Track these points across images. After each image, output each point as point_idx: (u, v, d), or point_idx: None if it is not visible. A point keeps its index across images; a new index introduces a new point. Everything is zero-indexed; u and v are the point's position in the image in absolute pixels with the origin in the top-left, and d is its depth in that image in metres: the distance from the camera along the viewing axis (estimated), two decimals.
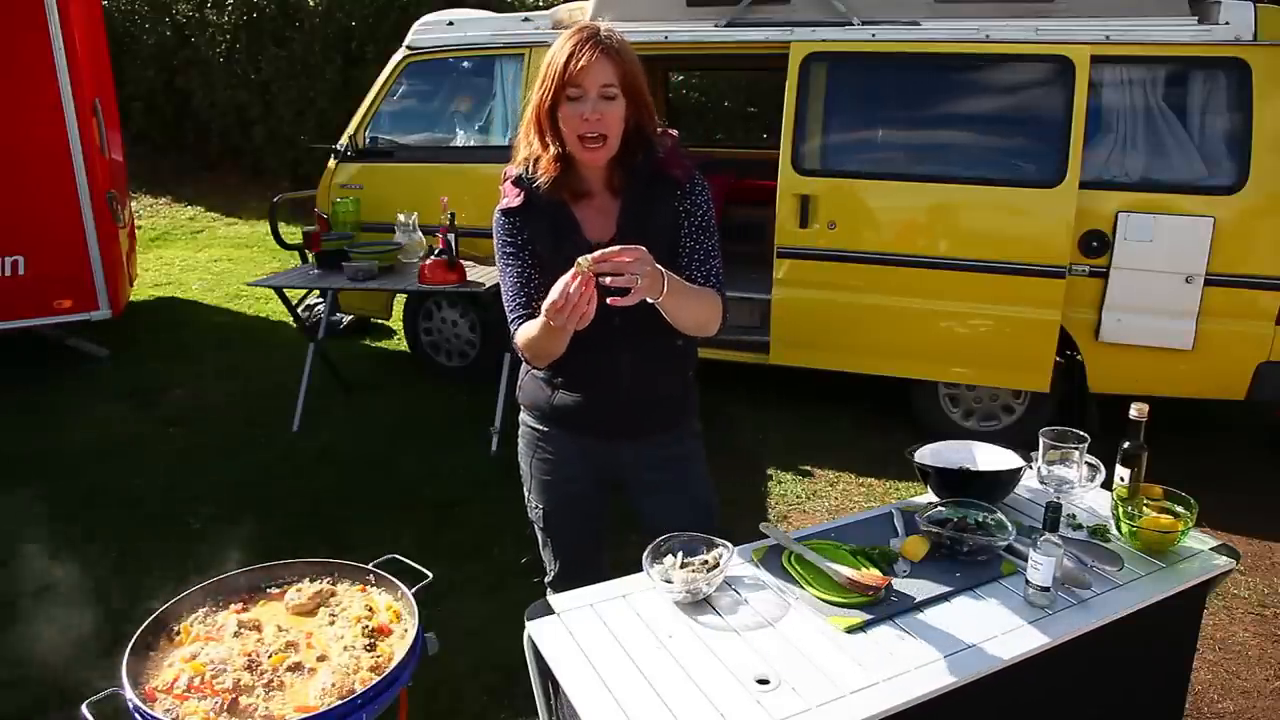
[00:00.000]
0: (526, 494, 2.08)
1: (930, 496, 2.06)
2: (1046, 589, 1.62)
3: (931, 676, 1.46)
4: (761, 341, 4.46)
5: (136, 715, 1.45)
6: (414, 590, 1.73)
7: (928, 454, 2.09)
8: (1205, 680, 2.76)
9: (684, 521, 1.82)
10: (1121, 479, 1.92)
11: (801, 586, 1.69)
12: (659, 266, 1.60)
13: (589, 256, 1.52)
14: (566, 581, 2.06)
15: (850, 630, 1.57)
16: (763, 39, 4.28)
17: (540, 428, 1.98)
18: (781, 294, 4.34)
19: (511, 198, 1.83)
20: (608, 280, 1.53)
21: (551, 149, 1.74)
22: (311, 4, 9.48)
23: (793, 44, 4.17)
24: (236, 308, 6.86)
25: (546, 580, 2.15)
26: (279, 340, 6.04)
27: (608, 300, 1.54)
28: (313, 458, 4.26)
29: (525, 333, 1.78)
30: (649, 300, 1.61)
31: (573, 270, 1.53)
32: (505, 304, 1.86)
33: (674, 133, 1.88)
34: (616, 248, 1.54)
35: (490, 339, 5.09)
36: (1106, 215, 3.81)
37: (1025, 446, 2.09)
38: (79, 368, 5.48)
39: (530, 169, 1.79)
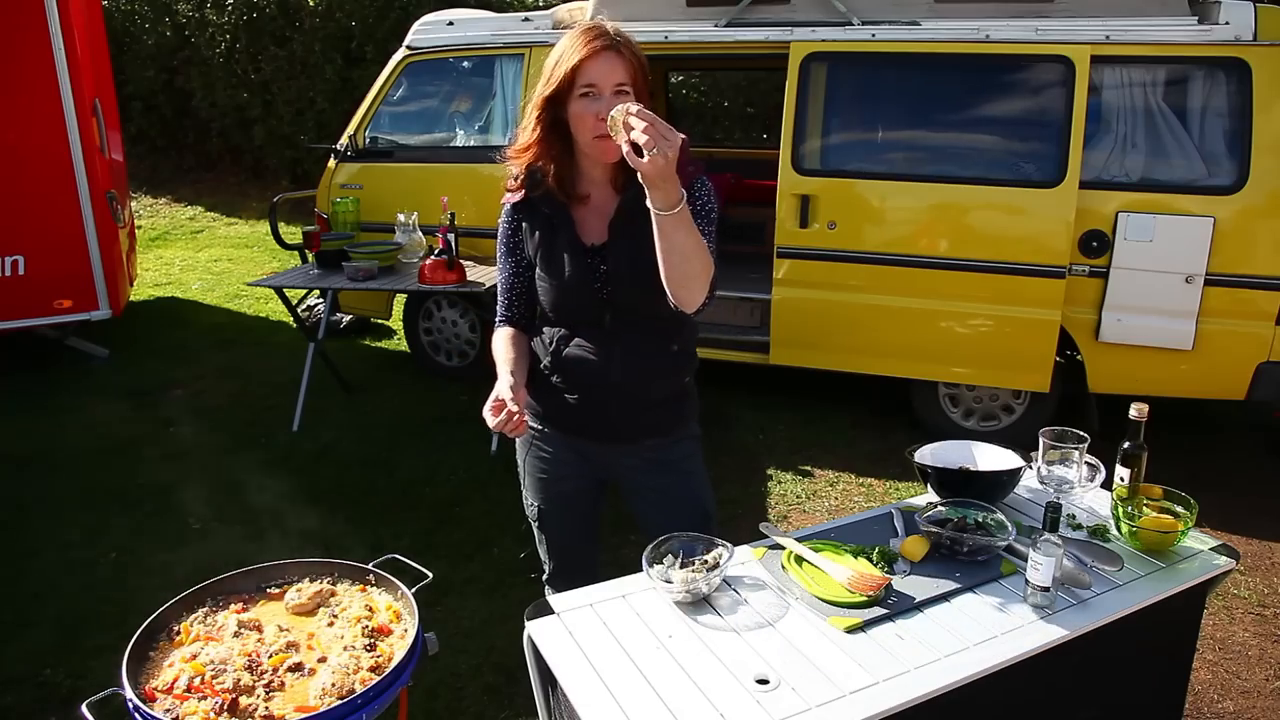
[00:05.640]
0: (523, 490, 2.09)
1: (930, 496, 2.06)
2: (1046, 589, 1.62)
3: (931, 676, 1.46)
4: (761, 341, 4.46)
5: (136, 715, 1.45)
6: (414, 590, 1.73)
7: (928, 454, 2.09)
8: (1205, 680, 2.77)
9: (679, 526, 1.81)
10: (1121, 479, 1.92)
11: (802, 586, 1.69)
12: (681, 189, 1.58)
13: (625, 108, 1.53)
14: (562, 578, 2.08)
15: (850, 630, 1.57)
16: (763, 39, 4.28)
17: (536, 426, 1.99)
18: (781, 294, 4.35)
19: (513, 193, 1.86)
20: (632, 136, 1.51)
21: (553, 146, 1.75)
22: (311, 4, 9.48)
23: (793, 44, 4.18)
24: (236, 308, 6.86)
25: (544, 578, 2.16)
26: (279, 340, 6.04)
27: (624, 143, 1.53)
28: (313, 458, 4.26)
29: (494, 344, 1.92)
30: (651, 208, 1.58)
31: (492, 402, 1.67)
32: (497, 297, 1.96)
33: (683, 136, 1.87)
34: (658, 119, 1.51)
35: (490, 339, 5.09)
36: (1106, 215, 3.81)
37: (1025, 446, 2.09)
38: (79, 368, 5.48)
39: (529, 167, 1.80)
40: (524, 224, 1.87)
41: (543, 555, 2.13)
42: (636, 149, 1.51)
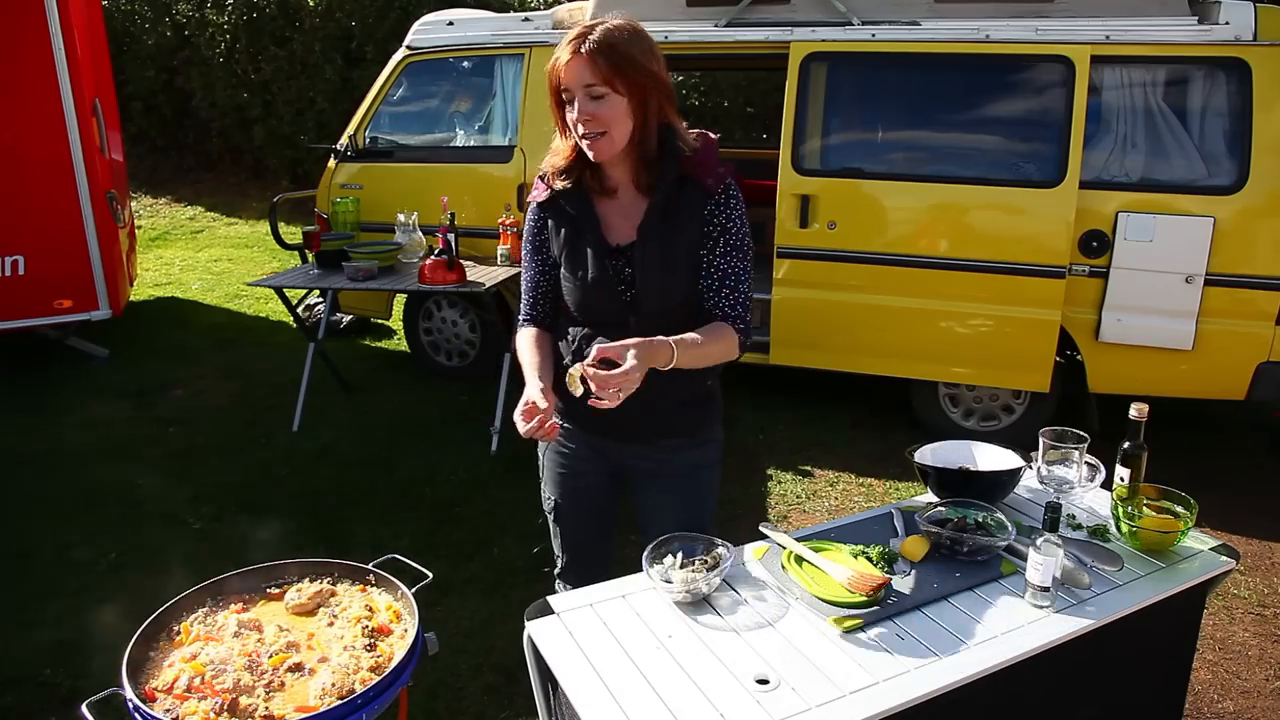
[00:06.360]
0: (541, 484, 2.10)
1: (930, 496, 2.06)
2: (1046, 589, 1.62)
3: (931, 676, 1.46)
4: (761, 341, 4.46)
5: (136, 715, 1.45)
6: (414, 590, 1.73)
7: (928, 454, 2.09)
8: (1205, 680, 2.77)
9: (677, 530, 1.81)
10: (1121, 479, 1.92)
11: (802, 586, 1.69)
12: (667, 340, 1.65)
13: (580, 368, 1.60)
14: (574, 573, 2.09)
15: (850, 630, 1.57)
16: (763, 39, 4.28)
17: (557, 420, 1.99)
18: (781, 294, 4.34)
19: (539, 192, 1.88)
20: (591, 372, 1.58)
21: (571, 143, 1.78)
22: (311, 4, 9.48)
23: (793, 44, 4.18)
24: (236, 308, 6.86)
25: (556, 571, 2.16)
26: (279, 340, 6.04)
27: (588, 402, 1.60)
28: (313, 458, 4.26)
29: (519, 345, 1.90)
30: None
31: (523, 406, 1.68)
32: (521, 295, 1.97)
33: (714, 136, 1.85)
34: (611, 374, 1.56)
35: (490, 339, 5.09)
36: (1106, 215, 3.81)
37: (1025, 446, 2.09)
38: (79, 368, 5.48)
39: (558, 164, 1.82)
40: (550, 222, 1.88)
41: (556, 549, 2.13)
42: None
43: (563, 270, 1.87)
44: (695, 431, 1.96)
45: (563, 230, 1.85)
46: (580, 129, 1.71)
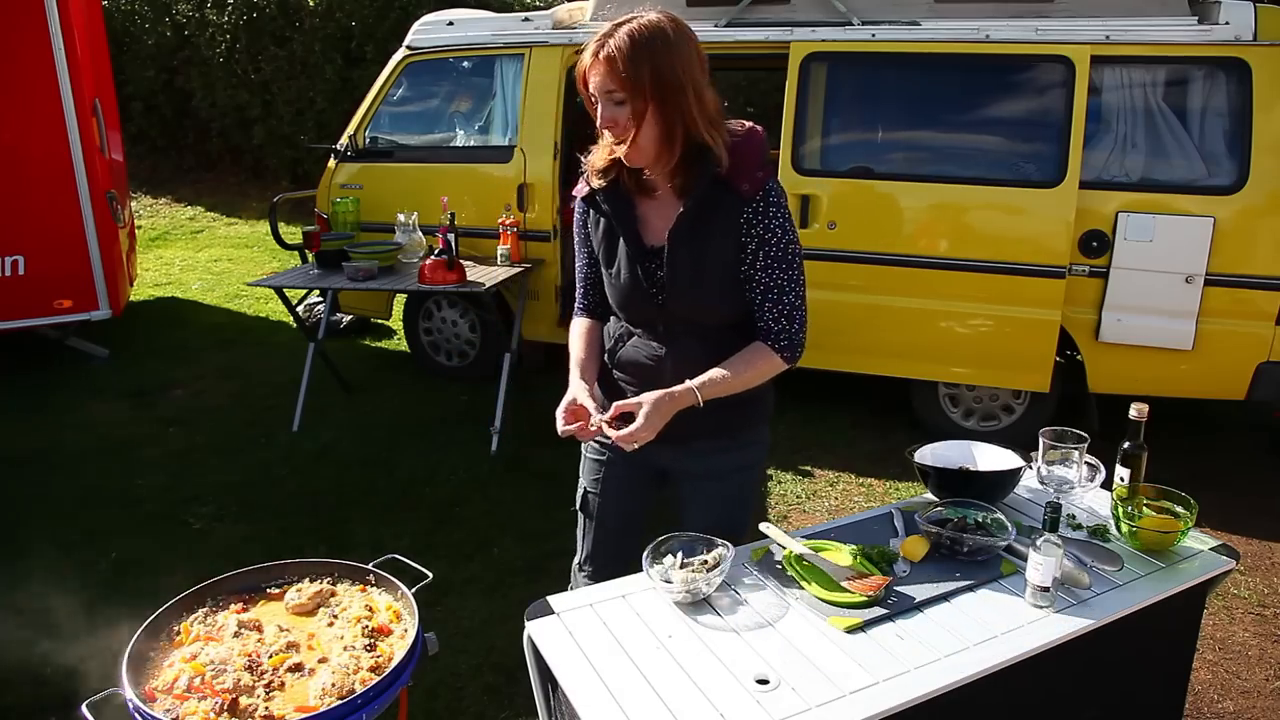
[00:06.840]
0: (580, 475, 2.11)
1: (930, 496, 2.06)
2: (1046, 589, 1.62)
3: (931, 676, 1.46)
4: None
5: (136, 715, 1.45)
6: (414, 590, 1.73)
7: (928, 454, 2.09)
8: (1205, 680, 2.77)
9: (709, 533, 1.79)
10: (1121, 479, 1.92)
11: (801, 586, 1.69)
12: (689, 387, 1.70)
13: (604, 423, 1.70)
14: (594, 565, 2.07)
15: (850, 630, 1.57)
16: (763, 39, 4.28)
17: (600, 421, 1.98)
18: None
19: (582, 186, 1.88)
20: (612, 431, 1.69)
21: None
22: (311, 4, 9.48)
23: (793, 44, 4.18)
24: (236, 308, 6.86)
25: (576, 561, 2.15)
26: (279, 340, 6.04)
27: (612, 440, 1.70)
28: (313, 458, 4.26)
29: (570, 335, 1.97)
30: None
31: (566, 404, 1.76)
32: (575, 284, 2.02)
33: (759, 130, 1.78)
34: (620, 434, 1.67)
35: (490, 339, 5.09)
36: (1106, 215, 3.81)
37: (1025, 446, 2.09)
38: (79, 368, 5.48)
39: (597, 163, 1.80)
40: (591, 215, 1.89)
41: (579, 539, 2.12)
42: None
43: (601, 266, 1.89)
44: (736, 432, 1.92)
45: (601, 227, 1.85)
46: (607, 135, 1.69)
